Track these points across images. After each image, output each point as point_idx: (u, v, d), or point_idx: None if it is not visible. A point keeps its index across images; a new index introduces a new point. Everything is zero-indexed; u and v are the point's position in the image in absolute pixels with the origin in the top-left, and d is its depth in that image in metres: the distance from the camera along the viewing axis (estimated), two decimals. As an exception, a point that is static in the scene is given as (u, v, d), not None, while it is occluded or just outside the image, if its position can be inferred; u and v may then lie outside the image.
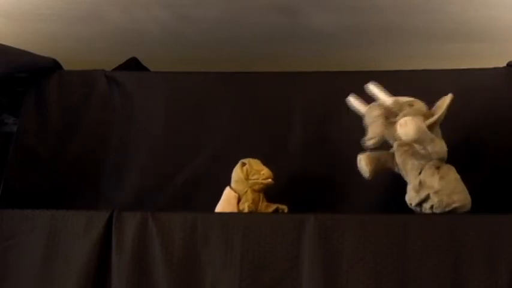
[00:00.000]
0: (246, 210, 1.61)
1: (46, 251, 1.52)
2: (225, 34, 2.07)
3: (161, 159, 1.84)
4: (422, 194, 1.51)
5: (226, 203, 1.64)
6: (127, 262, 1.47)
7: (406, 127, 1.46)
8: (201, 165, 1.81)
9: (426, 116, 1.54)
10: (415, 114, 1.51)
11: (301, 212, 1.54)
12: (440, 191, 1.49)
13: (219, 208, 1.65)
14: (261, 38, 2.08)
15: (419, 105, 1.55)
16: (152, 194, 1.80)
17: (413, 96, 1.80)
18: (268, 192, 1.68)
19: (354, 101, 1.59)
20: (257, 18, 1.97)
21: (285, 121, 1.84)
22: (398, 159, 1.56)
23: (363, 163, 1.56)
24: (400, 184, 1.59)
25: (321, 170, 1.77)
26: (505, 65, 1.82)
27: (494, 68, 1.82)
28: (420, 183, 1.51)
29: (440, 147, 1.51)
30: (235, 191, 1.64)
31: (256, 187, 1.64)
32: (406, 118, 1.48)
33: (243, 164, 1.65)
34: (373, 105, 1.55)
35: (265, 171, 1.64)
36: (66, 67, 1.95)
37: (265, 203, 1.65)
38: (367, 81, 1.83)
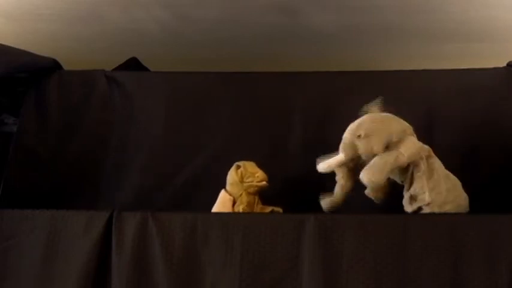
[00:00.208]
0: (241, 212, 1.61)
1: (46, 251, 1.52)
2: (225, 34, 2.07)
3: (161, 159, 1.84)
4: (415, 206, 1.52)
5: (221, 206, 1.64)
6: (127, 262, 1.48)
7: (365, 180, 1.48)
8: (201, 165, 1.81)
9: (381, 128, 1.52)
10: (369, 144, 1.50)
11: (301, 212, 1.54)
12: (432, 204, 1.50)
13: (214, 211, 1.65)
14: (261, 38, 2.08)
15: (368, 129, 1.52)
16: (152, 194, 1.80)
17: (413, 96, 1.81)
18: (268, 193, 1.69)
19: (322, 168, 1.59)
20: (257, 18, 1.97)
21: (285, 121, 1.84)
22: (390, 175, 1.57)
23: (373, 194, 1.58)
24: (398, 185, 1.59)
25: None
26: (505, 65, 1.82)
27: (494, 68, 1.82)
28: (411, 197, 1.52)
29: (408, 150, 1.50)
30: (230, 194, 1.64)
31: (251, 190, 1.64)
32: (361, 175, 1.49)
33: (238, 167, 1.65)
34: (337, 166, 1.57)
35: (259, 174, 1.64)
36: (66, 67, 1.95)
37: (260, 206, 1.66)
38: (367, 81, 1.84)
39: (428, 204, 1.49)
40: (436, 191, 1.50)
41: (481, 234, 1.42)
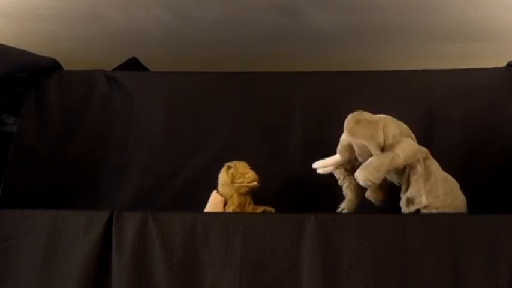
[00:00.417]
0: (232, 213, 1.61)
1: (46, 251, 1.52)
2: (225, 34, 2.07)
3: (161, 159, 1.84)
4: (412, 209, 1.52)
5: (212, 207, 1.64)
6: (127, 262, 1.47)
7: (360, 180, 1.48)
8: (201, 165, 1.81)
9: (374, 129, 1.52)
10: (365, 146, 1.50)
11: (301, 212, 1.54)
12: (429, 206, 1.50)
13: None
14: (261, 38, 2.08)
15: (356, 135, 1.52)
16: (152, 194, 1.80)
17: (413, 96, 1.81)
18: (268, 192, 1.69)
19: (320, 170, 1.60)
20: (257, 18, 1.97)
21: (285, 121, 1.84)
22: (387, 177, 1.57)
23: (373, 197, 1.59)
24: (397, 187, 1.59)
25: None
26: (505, 65, 1.82)
27: (494, 68, 1.82)
28: (408, 200, 1.52)
29: (403, 151, 1.50)
30: (221, 195, 1.65)
31: (242, 190, 1.64)
32: (356, 173, 1.49)
33: (229, 168, 1.65)
34: (334, 168, 1.58)
35: (250, 175, 1.64)
36: (66, 67, 1.95)
37: (252, 206, 1.66)
38: (367, 81, 1.84)
39: (425, 207, 1.49)
40: (433, 194, 1.50)
41: (481, 234, 1.42)
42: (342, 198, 1.71)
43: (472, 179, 1.57)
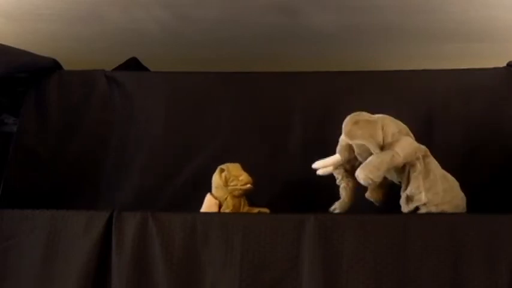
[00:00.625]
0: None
1: (46, 251, 1.52)
2: (225, 34, 2.07)
3: (161, 159, 1.84)
4: (412, 206, 1.52)
5: (207, 210, 1.64)
6: (127, 262, 1.47)
7: (360, 179, 1.47)
8: (201, 165, 1.81)
9: (373, 129, 1.52)
10: (364, 145, 1.51)
11: (301, 212, 1.54)
12: (428, 203, 1.50)
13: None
14: (261, 38, 2.08)
15: (355, 137, 1.52)
16: (152, 194, 1.80)
17: (413, 96, 1.81)
18: (268, 193, 1.69)
19: (320, 171, 1.60)
20: (257, 18, 1.97)
21: (285, 121, 1.84)
22: (387, 176, 1.57)
23: (373, 197, 1.60)
24: (398, 185, 1.59)
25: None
26: (505, 65, 1.82)
27: (494, 68, 1.82)
28: (408, 197, 1.52)
29: (403, 149, 1.49)
30: (215, 198, 1.64)
31: (236, 193, 1.63)
32: (357, 172, 1.49)
33: (222, 170, 1.65)
34: (334, 167, 1.59)
35: (243, 177, 1.63)
36: (66, 67, 1.95)
37: (246, 208, 1.65)
38: (367, 81, 1.84)
39: (424, 204, 1.50)
40: (433, 191, 1.50)
41: (481, 234, 1.42)
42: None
43: (472, 179, 1.57)
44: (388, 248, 1.41)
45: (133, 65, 2.00)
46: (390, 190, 1.60)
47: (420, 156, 1.52)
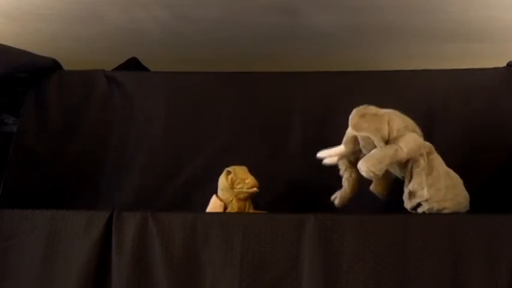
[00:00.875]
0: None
1: (46, 251, 1.52)
2: (225, 34, 2.07)
3: (161, 159, 1.84)
4: (414, 202, 1.52)
5: (212, 211, 1.64)
6: (127, 262, 1.47)
7: (363, 171, 1.48)
8: (201, 165, 1.81)
9: (379, 123, 1.53)
10: (369, 138, 1.51)
11: (301, 212, 1.54)
12: (430, 200, 1.50)
13: (205, 216, 1.65)
14: (261, 38, 2.08)
15: (361, 129, 1.53)
16: (152, 194, 1.80)
17: (413, 96, 1.81)
18: (268, 193, 1.68)
19: (326, 160, 1.59)
20: (257, 18, 1.97)
21: (285, 121, 1.84)
22: (390, 170, 1.57)
23: (377, 190, 1.61)
24: (399, 185, 1.59)
25: (321, 170, 1.77)
26: (505, 65, 1.82)
27: (494, 68, 1.82)
28: (410, 193, 1.52)
29: (407, 145, 1.50)
30: (221, 200, 1.64)
31: (241, 196, 1.64)
32: (359, 163, 1.49)
33: (228, 173, 1.65)
34: (339, 158, 1.58)
35: (249, 180, 1.64)
36: (66, 67, 1.95)
37: (251, 211, 1.65)
38: (367, 81, 1.84)
39: (426, 200, 1.50)
40: (435, 187, 1.51)
41: (481, 234, 1.42)
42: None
43: (472, 178, 1.57)
44: (388, 248, 1.42)
45: (133, 65, 2.00)
46: (395, 185, 1.60)
47: (424, 153, 1.52)
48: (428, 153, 1.53)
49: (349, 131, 1.55)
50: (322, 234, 1.43)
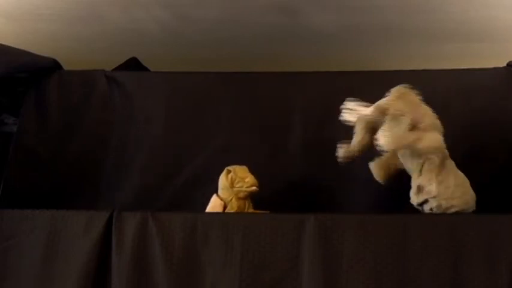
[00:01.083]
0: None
1: (46, 251, 1.52)
2: (225, 34, 2.07)
3: (161, 159, 1.84)
4: (421, 198, 1.52)
5: (212, 210, 1.64)
6: (127, 262, 1.48)
7: (381, 141, 1.48)
8: (201, 165, 1.81)
9: (415, 109, 1.53)
10: (393, 120, 1.50)
11: (301, 212, 1.54)
12: (438, 196, 1.50)
13: (205, 215, 1.65)
14: (261, 38, 2.08)
15: (395, 107, 1.53)
16: (152, 194, 1.80)
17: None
18: (268, 193, 1.68)
19: (345, 113, 1.59)
20: (257, 18, 1.97)
21: (285, 121, 1.84)
22: (400, 159, 1.57)
23: (376, 170, 1.59)
24: (399, 185, 1.59)
25: (321, 170, 1.77)
26: (505, 65, 1.82)
27: (494, 68, 1.82)
28: (419, 187, 1.52)
29: (430, 140, 1.51)
30: (221, 199, 1.65)
31: (241, 195, 1.64)
32: (379, 132, 1.49)
33: (228, 172, 1.65)
34: (361, 117, 1.56)
35: (249, 179, 1.64)
36: (66, 67, 1.95)
37: (251, 210, 1.66)
38: (367, 81, 1.84)
39: (434, 196, 1.50)
40: (444, 185, 1.51)
41: (481, 234, 1.42)
42: (342, 198, 1.72)
43: (472, 178, 1.57)
44: (388, 248, 1.42)
45: (133, 65, 2.00)
46: (393, 188, 1.60)
47: (440, 155, 1.53)
48: (444, 158, 1.54)
49: (384, 103, 1.53)
50: (322, 234, 1.43)
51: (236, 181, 1.64)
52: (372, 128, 1.54)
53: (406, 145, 1.49)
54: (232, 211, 1.62)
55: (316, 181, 1.75)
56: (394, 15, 1.93)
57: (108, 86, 1.91)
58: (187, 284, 1.45)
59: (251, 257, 1.44)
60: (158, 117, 1.87)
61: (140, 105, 1.89)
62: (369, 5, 1.88)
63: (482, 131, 1.76)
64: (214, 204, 1.65)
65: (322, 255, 1.42)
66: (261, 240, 1.45)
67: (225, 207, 1.64)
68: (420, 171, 1.53)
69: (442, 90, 1.82)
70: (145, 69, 2.03)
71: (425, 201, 1.52)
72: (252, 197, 1.66)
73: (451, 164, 1.55)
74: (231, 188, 1.64)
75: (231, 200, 1.64)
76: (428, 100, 1.77)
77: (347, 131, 1.71)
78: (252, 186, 1.64)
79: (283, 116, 1.85)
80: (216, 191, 1.67)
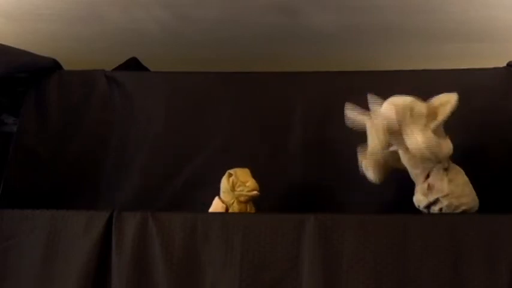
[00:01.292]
0: (232, 221, 1.61)
1: (46, 251, 1.52)
2: (225, 34, 2.07)
3: (161, 159, 1.84)
4: (431, 198, 1.52)
5: None
6: (127, 262, 1.48)
7: (416, 142, 1.47)
8: (201, 165, 1.81)
9: (429, 117, 1.52)
10: (416, 121, 1.50)
11: (301, 212, 1.54)
12: (450, 195, 1.50)
13: (207, 218, 1.65)
14: (261, 38, 2.08)
15: (419, 107, 1.53)
16: (152, 194, 1.80)
17: (413, 96, 1.81)
18: (268, 193, 1.68)
19: (353, 116, 1.56)
20: (257, 18, 1.97)
21: (285, 121, 1.84)
22: (406, 162, 1.56)
23: (369, 168, 1.56)
24: (399, 185, 1.59)
25: (321, 170, 1.77)
26: (505, 65, 1.82)
27: (494, 68, 1.82)
28: (429, 186, 1.52)
29: (447, 148, 1.52)
30: (223, 202, 1.65)
31: (242, 198, 1.64)
32: (414, 132, 1.48)
33: (230, 175, 1.65)
34: (376, 119, 1.52)
35: (250, 183, 1.64)
36: (66, 67, 1.95)
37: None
38: (367, 81, 1.84)
39: (446, 194, 1.50)
40: (455, 183, 1.51)
41: (481, 234, 1.42)
42: (342, 198, 1.72)
43: (472, 179, 1.57)
44: (388, 248, 1.42)
45: (133, 65, 2.00)
46: (393, 188, 1.60)
47: (449, 159, 1.54)
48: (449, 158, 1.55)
49: (408, 102, 1.51)
50: (322, 234, 1.43)
51: (237, 185, 1.64)
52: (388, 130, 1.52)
53: (433, 150, 1.48)
54: (234, 214, 1.63)
55: (316, 181, 1.75)
56: (394, 15, 1.93)
57: (108, 86, 1.91)
58: (187, 284, 1.45)
59: (251, 257, 1.44)
60: (158, 117, 1.87)
61: (140, 105, 1.89)
62: (369, 5, 1.88)
63: (482, 131, 1.76)
64: (216, 207, 1.65)
65: (322, 255, 1.42)
66: (261, 240, 1.45)
67: (226, 210, 1.64)
68: (428, 172, 1.53)
69: (442, 90, 1.81)
70: (145, 69, 2.03)
71: (435, 202, 1.52)
72: (254, 200, 1.66)
73: (453, 164, 1.56)
74: (232, 191, 1.64)
75: (233, 203, 1.64)
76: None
77: (347, 131, 1.71)
78: (252, 190, 1.63)
79: (283, 116, 1.85)
80: (216, 191, 1.67)
